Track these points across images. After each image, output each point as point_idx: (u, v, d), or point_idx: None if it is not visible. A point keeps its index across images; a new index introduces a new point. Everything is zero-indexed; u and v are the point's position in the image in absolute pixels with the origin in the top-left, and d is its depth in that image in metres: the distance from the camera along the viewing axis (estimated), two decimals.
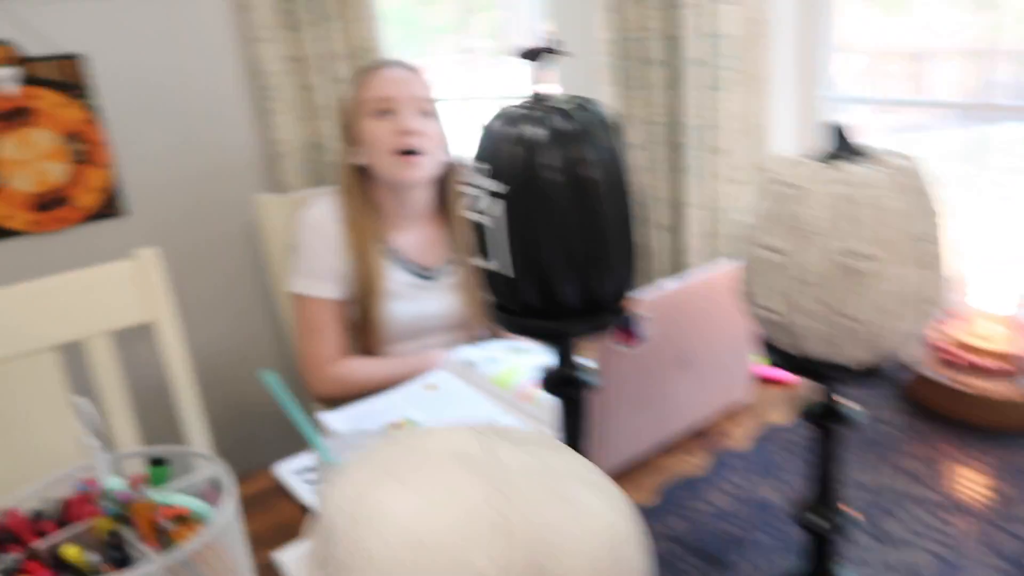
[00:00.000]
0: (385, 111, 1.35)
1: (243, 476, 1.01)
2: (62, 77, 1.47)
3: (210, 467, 0.79)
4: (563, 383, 0.66)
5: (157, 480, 0.78)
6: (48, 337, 1.06)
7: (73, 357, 1.11)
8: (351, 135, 1.40)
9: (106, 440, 0.70)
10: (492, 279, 0.62)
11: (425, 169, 1.37)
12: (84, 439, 0.68)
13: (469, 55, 2.15)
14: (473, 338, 1.49)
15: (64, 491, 0.74)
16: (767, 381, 1.18)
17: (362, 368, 1.38)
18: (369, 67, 1.41)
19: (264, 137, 1.73)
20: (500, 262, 0.59)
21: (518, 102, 0.58)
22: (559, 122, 0.54)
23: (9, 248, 1.49)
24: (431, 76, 1.42)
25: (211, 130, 1.67)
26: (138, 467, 0.82)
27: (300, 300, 1.39)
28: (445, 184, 1.45)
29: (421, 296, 1.43)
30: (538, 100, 0.57)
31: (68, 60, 1.47)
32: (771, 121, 1.61)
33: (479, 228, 0.60)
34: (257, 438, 1.84)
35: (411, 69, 1.40)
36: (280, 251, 1.54)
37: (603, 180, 0.55)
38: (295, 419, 0.75)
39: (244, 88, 1.69)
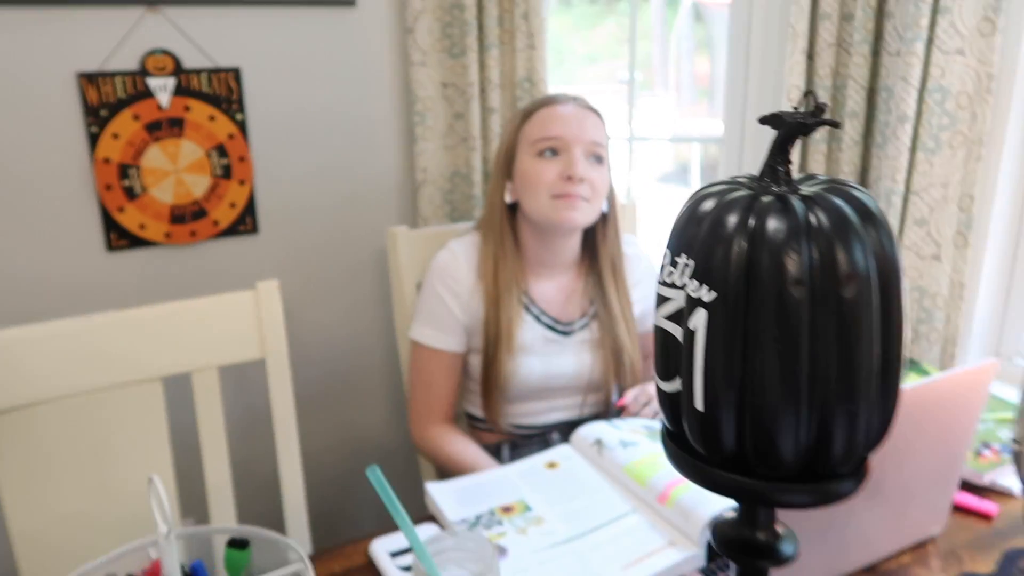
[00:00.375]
0: (552, 150, 1.22)
1: (335, 547, 0.92)
2: (214, 90, 1.44)
3: (294, 555, 0.68)
4: (748, 550, 0.49)
5: (233, 566, 0.68)
6: (156, 368, 0.99)
7: (171, 388, 1.05)
8: (508, 170, 1.28)
9: (171, 523, 0.61)
10: (672, 404, 0.46)
11: (585, 216, 1.23)
12: (158, 519, 0.59)
13: (622, 86, 2.01)
14: (605, 404, 1.33)
15: (130, 565, 0.66)
16: (961, 510, 0.98)
17: (455, 449, 1.25)
18: (541, 100, 1.27)
19: (407, 164, 1.65)
20: (689, 388, 0.43)
21: (739, 179, 0.42)
22: (805, 212, 0.38)
23: (138, 259, 1.46)
24: (606, 117, 1.27)
25: (354, 153, 1.60)
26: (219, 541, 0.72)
27: (416, 347, 1.30)
28: (594, 233, 1.31)
29: (553, 352, 1.29)
30: (771, 179, 0.40)
31: (223, 73, 1.44)
32: (986, 190, 1.36)
33: (666, 338, 0.44)
34: (356, 476, 1.75)
35: (587, 107, 1.26)
36: (408, 287, 1.44)
37: (863, 298, 0.38)
38: (399, 520, 0.63)
39: (394, 113, 1.61)
